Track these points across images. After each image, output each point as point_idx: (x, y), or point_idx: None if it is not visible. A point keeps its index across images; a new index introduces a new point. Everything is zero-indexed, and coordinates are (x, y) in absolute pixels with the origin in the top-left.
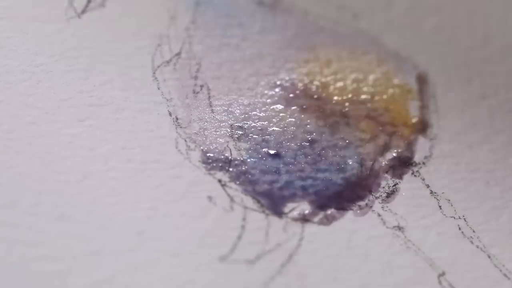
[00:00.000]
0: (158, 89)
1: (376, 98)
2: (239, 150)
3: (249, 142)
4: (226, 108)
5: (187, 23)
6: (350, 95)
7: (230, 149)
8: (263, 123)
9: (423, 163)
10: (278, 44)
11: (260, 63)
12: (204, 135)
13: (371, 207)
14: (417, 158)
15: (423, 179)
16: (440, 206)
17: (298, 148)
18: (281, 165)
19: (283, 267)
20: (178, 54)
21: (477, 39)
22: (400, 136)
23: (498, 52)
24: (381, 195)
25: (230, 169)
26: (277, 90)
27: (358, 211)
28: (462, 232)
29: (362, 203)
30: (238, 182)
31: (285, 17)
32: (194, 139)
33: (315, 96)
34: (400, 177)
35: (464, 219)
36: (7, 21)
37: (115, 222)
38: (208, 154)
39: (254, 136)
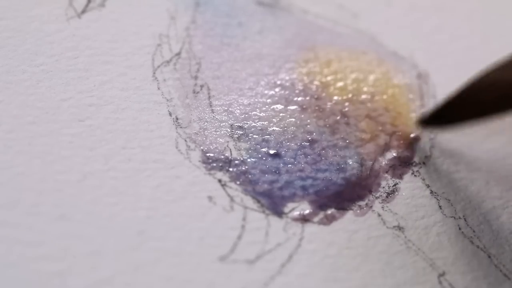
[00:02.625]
0: (158, 89)
1: (376, 98)
2: (239, 150)
3: (249, 142)
4: (226, 108)
5: (187, 23)
6: (350, 95)
7: (230, 149)
8: (263, 123)
9: (423, 163)
10: (278, 44)
11: (260, 63)
12: (204, 135)
13: (371, 207)
14: (417, 158)
15: (423, 179)
16: (440, 206)
17: (298, 148)
18: (281, 165)
19: (283, 267)
20: (178, 54)
21: (477, 39)
22: (400, 136)
23: (498, 52)
24: (381, 195)
25: (230, 169)
26: (277, 90)
27: (358, 211)
28: (462, 232)
29: (362, 203)
30: (238, 182)
31: (285, 17)
32: (194, 139)
33: (315, 96)
34: (400, 177)
35: (464, 219)
36: (7, 21)
37: (115, 222)
38: (208, 154)
39: (254, 136)
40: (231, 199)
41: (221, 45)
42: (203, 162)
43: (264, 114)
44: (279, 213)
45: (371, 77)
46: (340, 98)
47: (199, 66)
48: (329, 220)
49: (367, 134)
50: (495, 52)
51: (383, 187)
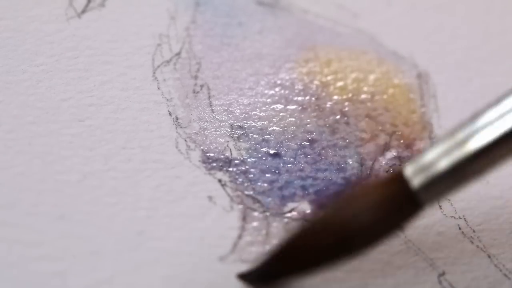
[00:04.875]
0: (158, 89)
1: (376, 97)
2: (239, 150)
3: (249, 142)
4: (226, 108)
5: (187, 23)
6: (350, 95)
7: (230, 149)
8: (263, 122)
9: None
10: (278, 44)
11: (260, 63)
12: (204, 135)
13: None
14: None
15: None
16: (440, 206)
17: (298, 147)
18: (281, 165)
19: None
20: (178, 54)
21: (477, 39)
22: (400, 136)
23: (498, 52)
24: None
25: (230, 169)
26: (277, 89)
27: None
28: (462, 232)
29: None
30: (238, 182)
31: (285, 16)
32: (194, 139)
33: (315, 96)
34: None
35: (464, 219)
36: (7, 21)
37: (115, 222)
38: (208, 154)
39: (254, 136)
40: (231, 199)
41: (221, 45)
42: (203, 162)
43: (264, 114)
44: (279, 213)
45: (371, 77)
46: (340, 98)
47: (199, 66)
48: None
49: (367, 133)
50: (495, 52)
51: None
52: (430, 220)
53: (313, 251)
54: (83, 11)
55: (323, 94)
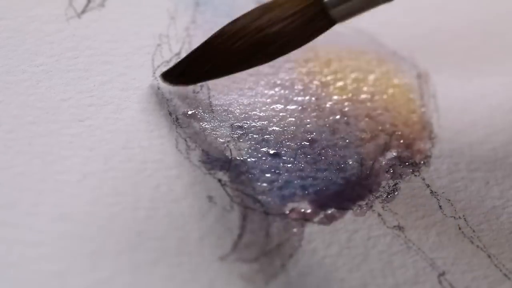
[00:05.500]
0: (158, 89)
1: (376, 97)
2: (239, 150)
3: (249, 142)
4: (226, 108)
5: (187, 23)
6: (350, 95)
7: (230, 149)
8: (263, 122)
9: (423, 163)
10: None
11: None
12: (204, 135)
13: (371, 206)
14: (417, 158)
15: (423, 179)
16: (440, 206)
17: (298, 147)
18: (281, 165)
19: (283, 267)
20: (178, 54)
21: (477, 39)
22: (400, 136)
23: (498, 52)
24: (381, 195)
25: (230, 169)
26: (276, 89)
27: (358, 211)
28: (462, 232)
29: (362, 202)
30: (238, 182)
31: None
32: (194, 139)
33: (315, 96)
34: (400, 177)
35: (464, 219)
36: (7, 21)
37: (115, 222)
38: (208, 154)
39: (254, 136)
40: (231, 199)
41: None
42: (203, 162)
43: (264, 114)
44: (279, 213)
45: (371, 77)
46: (340, 98)
47: None
48: (329, 220)
49: (367, 133)
50: (495, 52)
51: (383, 187)
52: (430, 220)
53: (229, 52)
54: (83, 11)
55: (323, 94)
